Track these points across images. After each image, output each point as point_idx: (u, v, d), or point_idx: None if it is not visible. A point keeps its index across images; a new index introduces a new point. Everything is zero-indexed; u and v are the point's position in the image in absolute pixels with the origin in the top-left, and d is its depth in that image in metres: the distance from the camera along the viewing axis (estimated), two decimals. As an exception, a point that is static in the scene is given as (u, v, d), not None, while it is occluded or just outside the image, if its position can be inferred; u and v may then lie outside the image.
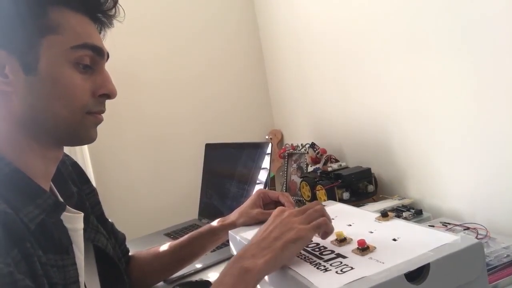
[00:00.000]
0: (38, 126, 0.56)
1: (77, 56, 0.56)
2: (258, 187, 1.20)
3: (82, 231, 0.63)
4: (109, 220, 0.84)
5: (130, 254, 0.90)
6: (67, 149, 1.35)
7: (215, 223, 0.88)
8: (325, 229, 0.60)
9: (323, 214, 0.62)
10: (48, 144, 0.58)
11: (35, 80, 0.54)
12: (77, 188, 0.71)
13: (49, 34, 0.55)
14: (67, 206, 0.60)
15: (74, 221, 0.62)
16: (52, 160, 0.61)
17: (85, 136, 0.60)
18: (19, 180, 0.54)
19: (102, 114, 0.62)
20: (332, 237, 0.63)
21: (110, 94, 0.61)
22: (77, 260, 0.59)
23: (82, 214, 0.64)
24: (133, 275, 0.86)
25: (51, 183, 0.63)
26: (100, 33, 0.64)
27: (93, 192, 0.78)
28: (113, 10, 0.64)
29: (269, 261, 0.54)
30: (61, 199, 0.64)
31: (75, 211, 0.63)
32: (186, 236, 0.88)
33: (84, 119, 0.58)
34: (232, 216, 0.86)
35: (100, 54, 0.60)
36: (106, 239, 0.72)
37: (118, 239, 0.85)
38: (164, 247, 0.89)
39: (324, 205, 0.85)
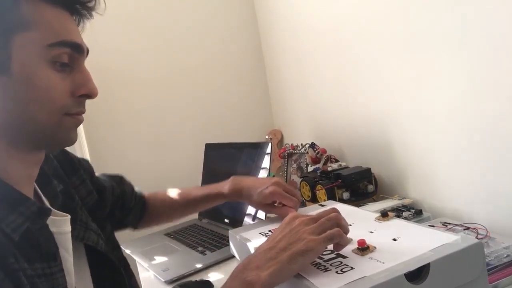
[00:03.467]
0: (15, 130, 0.52)
1: (54, 54, 0.51)
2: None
3: (69, 234, 0.60)
4: (110, 181, 0.85)
5: (146, 195, 0.96)
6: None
7: (226, 188, 0.90)
8: (339, 241, 0.55)
9: (338, 223, 0.57)
10: (28, 148, 0.54)
11: (8, 81, 0.49)
12: (63, 183, 0.67)
13: (22, 31, 0.50)
14: (52, 210, 0.57)
15: (60, 225, 0.58)
16: (33, 163, 0.57)
17: (65, 138, 0.56)
18: None
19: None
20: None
21: (90, 94, 0.56)
22: (67, 263, 0.57)
23: (69, 217, 0.60)
24: (148, 218, 0.94)
25: (36, 185, 0.59)
26: (78, 25, 0.59)
27: (84, 182, 0.74)
28: (93, 2, 0.59)
29: (273, 274, 0.51)
30: (46, 202, 0.61)
31: (61, 214, 0.59)
32: (199, 196, 0.93)
33: (62, 121, 0.54)
34: (245, 198, 0.87)
35: (79, 51, 0.55)
36: (97, 235, 0.68)
37: (126, 195, 0.89)
38: (179, 199, 0.95)
39: (324, 205, 0.85)
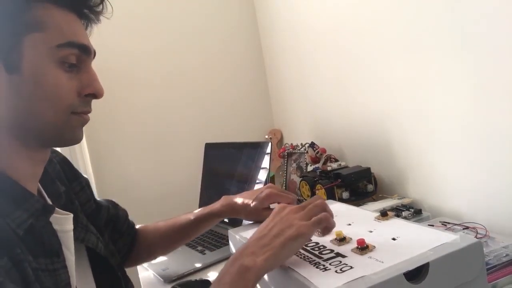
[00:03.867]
0: (23, 128, 0.54)
1: (62, 54, 0.54)
2: (258, 187, 1.20)
3: (72, 233, 0.61)
4: (106, 203, 0.84)
5: (137, 227, 0.92)
6: (66, 150, 1.35)
7: (217, 206, 0.88)
8: (326, 224, 0.59)
9: (324, 208, 0.61)
10: (34, 145, 0.56)
11: (19, 79, 0.52)
12: (65, 187, 0.69)
13: (33, 32, 0.52)
14: (55, 208, 0.58)
15: (63, 223, 0.60)
16: (39, 161, 0.59)
17: (71, 137, 0.58)
18: (5, 185, 0.53)
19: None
20: (332, 236, 0.63)
21: (96, 94, 0.59)
22: (68, 262, 0.58)
23: (71, 215, 0.62)
24: (140, 250, 0.90)
25: (39, 184, 0.61)
26: (86, 29, 0.61)
27: (83, 188, 0.76)
28: (100, 6, 0.61)
29: (268, 259, 0.53)
30: (49, 201, 0.62)
31: (64, 213, 0.61)
32: (190, 219, 0.89)
33: (69, 119, 0.56)
34: (239, 211, 0.84)
35: (86, 52, 0.57)
36: (96, 238, 0.70)
37: (120, 218, 0.86)
38: (169, 227, 0.91)
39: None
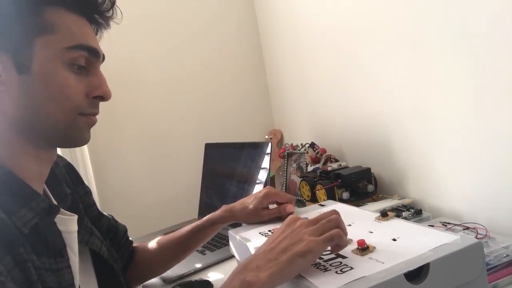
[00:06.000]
0: (31, 127, 0.55)
1: (72, 56, 0.56)
2: (258, 187, 1.20)
3: (76, 234, 0.62)
4: (107, 215, 0.84)
5: (135, 245, 0.90)
6: (66, 149, 1.35)
7: (217, 213, 0.87)
8: (338, 242, 0.55)
9: (338, 224, 0.57)
10: (42, 145, 0.57)
11: (28, 79, 0.53)
12: (70, 189, 0.70)
13: (44, 34, 0.54)
14: (61, 208, 0.59)
15: (68, 224, 0.61)
16: (46, 161, 0.60)
17: (78, 137, 0.59)
18: (12, 183, 0.53)
19: (96, 116, 0.61)
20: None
21: (104, 96, 0.60)
22: (72, 263, 0.58)
23: (76, 217, 0.63)
24: (138, 266, 0.87)
25: (45, 185, 0.62)
26: (96, 34, 0.63)
27: (87, 193, 0.77)
28: (111, 12, 0.63)
29: (273, 275, 0.51)
30: (54, 202, 0.63)
31: (69, 214, 0.62)
32: (189, 229, 0.88)
33: (76, 120, 0.57)
34: (239, 214, 0.84)
35: (95, 55, 0.59)
36: (100, 242, 0.71)
37: (119, 231, 0.85)
38: (167, 241, 0.89)
39: (324, 205, 0.85)
